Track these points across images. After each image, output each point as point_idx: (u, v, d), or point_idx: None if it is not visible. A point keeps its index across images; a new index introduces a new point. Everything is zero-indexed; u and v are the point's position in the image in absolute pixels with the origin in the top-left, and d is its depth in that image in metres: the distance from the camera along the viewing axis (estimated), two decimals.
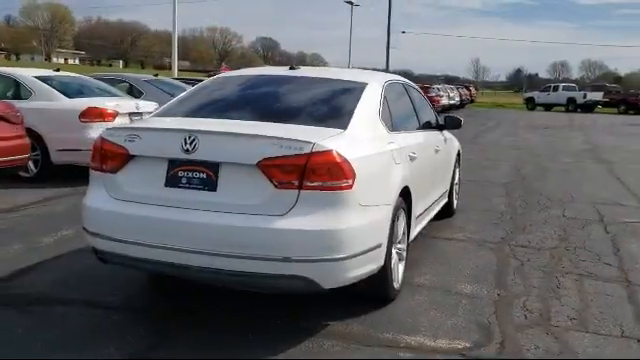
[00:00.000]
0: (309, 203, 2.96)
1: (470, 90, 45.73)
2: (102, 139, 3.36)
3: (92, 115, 7.48)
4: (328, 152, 2.98)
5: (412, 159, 4.04)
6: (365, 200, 3.16)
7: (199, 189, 3.08)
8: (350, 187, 3.02)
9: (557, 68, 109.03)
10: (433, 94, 28.13)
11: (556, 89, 43.02)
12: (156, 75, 11.45)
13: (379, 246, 3.31)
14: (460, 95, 38.29)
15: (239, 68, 6.74)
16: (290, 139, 3.00)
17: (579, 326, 3.49)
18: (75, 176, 7.94)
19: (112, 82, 9.69)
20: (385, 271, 3.48)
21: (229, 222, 2.96)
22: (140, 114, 8.22)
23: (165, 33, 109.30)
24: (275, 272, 2.94)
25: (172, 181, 3.13)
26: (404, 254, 3.93)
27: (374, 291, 3.57)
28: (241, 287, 3.31)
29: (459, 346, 3.18)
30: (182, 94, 4.03)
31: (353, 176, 3.04)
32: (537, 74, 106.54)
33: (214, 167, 3.06)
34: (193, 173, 3.09)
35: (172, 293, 3.90)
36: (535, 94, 44.54)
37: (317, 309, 3.60)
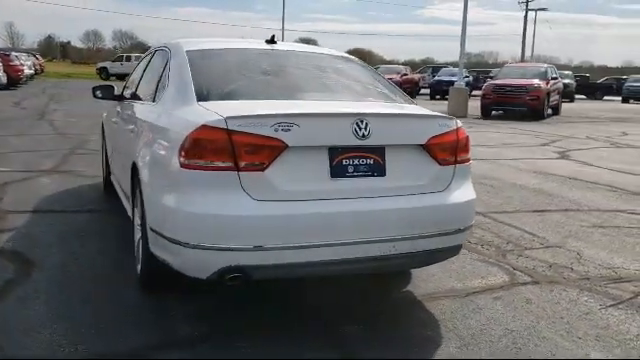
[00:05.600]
0: (460, 177, 3.21)
1: (38, 59, 43.55)
2: (227, 131, 2.67)
3: None
4: (461, 128, 3.26)
5: None
6: None
7: (368, 176, 2.94)
8: (470, 159, 3.37)
9: (91, 37, 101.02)
10: (17, 63, 26.35)
11: (129, 59, 44.06)
12: None
13: None
14: (34, 64, 36.17)
15: None
16: (442, 116, 3.17)
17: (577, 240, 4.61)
18: None
19: None
20: None
21: (415, 204, 2.99)
22: None
23: None
24: (453, 244, 3.14)
25: (337, 171, 2.88)
26: None
27: None
28: (414, 267, 3.49)
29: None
30: (203, 72, 3.44)
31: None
32: (70, 42, 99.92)
33: (381, 151, 2.97)
34: (360, 160, 2.92)
35: (244, 306, 3.42)
36: (108, 64, 46.11)
37: (389, 281, 3.75)
